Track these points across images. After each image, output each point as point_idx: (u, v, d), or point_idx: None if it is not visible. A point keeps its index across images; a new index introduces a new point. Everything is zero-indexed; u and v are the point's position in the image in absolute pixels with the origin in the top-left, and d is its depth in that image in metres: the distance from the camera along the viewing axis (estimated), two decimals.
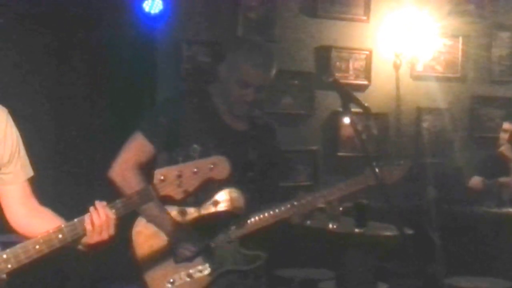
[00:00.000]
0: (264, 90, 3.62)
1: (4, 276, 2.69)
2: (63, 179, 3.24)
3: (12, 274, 2.70)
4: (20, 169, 2.89)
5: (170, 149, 3.57)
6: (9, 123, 2.87)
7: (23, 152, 2.92)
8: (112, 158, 3.58)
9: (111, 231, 2.69)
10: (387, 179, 3.59)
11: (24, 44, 4.68)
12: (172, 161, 2.82)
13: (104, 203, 2.69)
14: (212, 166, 2.74)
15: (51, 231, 2.66)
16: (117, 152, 3.59)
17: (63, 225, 2.67)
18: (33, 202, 2.92)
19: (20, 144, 2.91)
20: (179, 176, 2.71)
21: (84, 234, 2.68)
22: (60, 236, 2.65)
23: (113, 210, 2.68)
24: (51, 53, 4.93)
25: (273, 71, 3.61)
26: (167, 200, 3.08)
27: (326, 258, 5.37)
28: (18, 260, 2.65)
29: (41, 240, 2.65)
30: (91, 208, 2.67)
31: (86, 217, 2.65)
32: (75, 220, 2.66)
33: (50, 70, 4.80)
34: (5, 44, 3.98)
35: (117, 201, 2.78)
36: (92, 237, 2.68)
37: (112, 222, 2.68)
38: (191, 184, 2.74)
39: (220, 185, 3.32)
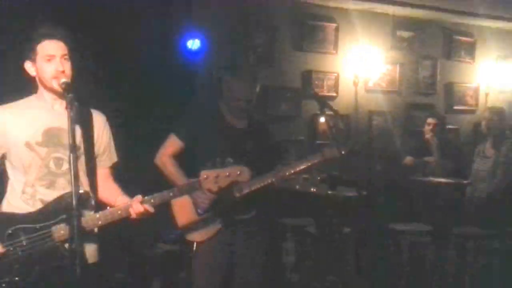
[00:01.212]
0: (253, 100, 3.61)
1: (96, 230, 2.77)
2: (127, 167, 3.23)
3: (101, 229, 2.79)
4: (108, 159, 2.95)
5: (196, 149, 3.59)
6: (106, 127, 2.93)
7: (113, 148, 2.97)
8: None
9: (146, 215, 2.73)
10: (340, 153, 3.55)
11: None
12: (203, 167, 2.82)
13: (140, 198, 2.73)
14: (239, 172, 2.79)
15: (129, 203, 2.74)
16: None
17: (130, 203, 2.74)
18: (110, 180, 2.96)
19: (111, 142, 2.96)
20: (217, 177, 2.76)
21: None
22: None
23: (151, 200, 2.73)
24: (116, 75, 4.91)
25: (257, 88, 3.64)
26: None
27: (310, 210, 5.35)
28: (106, 219, 2.72)
29: (122, 208, 2.74)
30: (131, 203, 2.72)
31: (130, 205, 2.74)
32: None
33: (114, 89, 4.72)
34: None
35: (174, 188, 2.87)
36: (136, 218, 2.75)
37: (149, 212, 2.72)
38: (224, 183, 2.78)
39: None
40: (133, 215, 2.72)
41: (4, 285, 2.64)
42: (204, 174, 2.76)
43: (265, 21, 6.12)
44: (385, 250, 5.29)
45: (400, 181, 5.71)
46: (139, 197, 2.74)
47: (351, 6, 6.35)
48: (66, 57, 2.71)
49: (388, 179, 5.64)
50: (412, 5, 6.41)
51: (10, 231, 2.67)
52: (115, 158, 2.98)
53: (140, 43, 5.01)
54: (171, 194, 2.82)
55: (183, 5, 5.34)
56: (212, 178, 2.76)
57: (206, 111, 3.79)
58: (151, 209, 2.73)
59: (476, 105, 7.40)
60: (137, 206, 2.71)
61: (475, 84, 7.44)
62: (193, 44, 5.35)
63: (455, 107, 7.29)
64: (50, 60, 2.68)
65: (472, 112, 7.39)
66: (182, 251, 4.31)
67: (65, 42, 2.73)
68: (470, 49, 7.38)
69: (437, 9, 6.57)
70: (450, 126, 6.85)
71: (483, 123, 5.69)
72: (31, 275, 2.66)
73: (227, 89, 3.62)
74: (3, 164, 2.81)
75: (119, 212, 2.72)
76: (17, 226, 2.68)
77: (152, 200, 2.75)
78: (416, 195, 5.63)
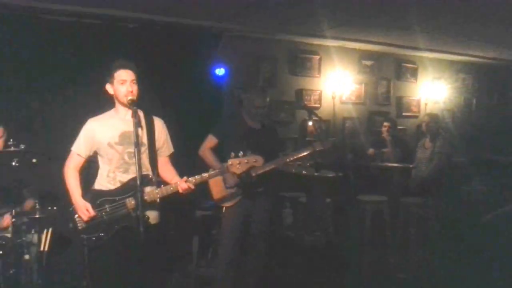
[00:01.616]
0: (266, 108, 3.64)
1: (158, 200, 2.81)
2: (178, 158, 3.22)
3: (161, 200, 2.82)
4: (167, 150, 2.97)
5: (227, 143, 3.58)
6: (164, 128, 2.96)
7: (170, 143, 2.99)
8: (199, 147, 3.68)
9: (189, 191, 2.77)
10: (323, 146, 3.59)
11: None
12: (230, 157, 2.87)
13: (185, 178, 2.76)
14: (255, 160, 2.83)
15: (177, 182, 2.78)
16: (201, 143, 3.68)
17: (178, 182, 2.76)
18: (169, 164, 2.98)
19: (168, 138, 2.98)
20: (239, 163, 2.81)
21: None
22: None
23: (193, 180, 2.77)
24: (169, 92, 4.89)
25: (268, 99, 3.66)
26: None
27: (302, 187, 5.33)
28: (162, 193, 2.77)
29: (173, 186, 2.78)
30: (179, 182, 2.74)
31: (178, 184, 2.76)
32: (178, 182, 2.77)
33: (169, 102, 4.68)
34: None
35: (211, 171, 2.88)
36: (183, 193, 2.78)
37: (191, 188, 2.76)
38: (244, 167, 2.83)
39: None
40: (180, 191, 2.77)
41: (94, 238, 2.73)
42: (230, 161, 2.81)
43: (270, 55, 6.09)
44: (354, 213, 5.27)
45: (365, 165, 5.66)
46: (184, 178, 2.79)
47: (330, 43, 6.31)
48: (134, 81, 2.76)
49: (357, 164, 5.60)
50: (372, 42, 6.38)
51: (98, 202, 2.77)
52: (171, 149, 3.00)
53: (185, 71, 5.05)
54: (207, 175, 2.86)
55: (213, 46, 5.34)
56: (236, 164, 2.80)
57: (233, 117, 3.84)
58: (192, 186, 2.77)
59: (418, 112, 7.36)
60: (182, 184, 2.76)
61: (418, 97, 7.39)
62: (220, 71, 5.33)
63: (404, 114, 7.25)
64: (123, 83, 2.74)
65: (415, 117, 7.35)
66: (214, 216, 4.32)
67: (134, 71, 2.78)
68: (414, 73, 7.34)
69: (390, 44, 6.52)
70: (400, 127, 6.78)
71: (423, 124, 5.68)
72: (111, 232, 2.74)
73: (248, 101, 3.64)
74: (96, 157, 2.87)
75: (171, 188, 2.77)
76: (103, 198, 2.76)
77: (193, 180, 2.80)
78: (376, 175, 5.61)
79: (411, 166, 5.53)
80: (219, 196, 3.63)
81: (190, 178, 2.80)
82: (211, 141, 3.66)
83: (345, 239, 5.16)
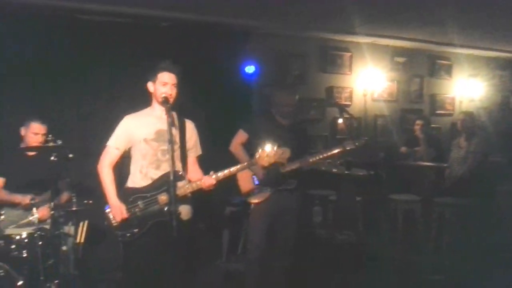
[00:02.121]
0: (295, 106, 3.64)
1: (189, 194, 2.88)
2: (209, 155, 3.25)
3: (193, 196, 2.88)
4: (195, 151, 3.04)
5: (256, 140, 3.53)
6: (194, 131, 3.04)
7: (198, 145, 3.06)
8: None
9: (212, 186, 2.85)
10: (355, 145, 3.55)
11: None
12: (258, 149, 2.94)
13: (212, 172, 2.84)
14: (282, 152, 2.91)
15: (204, 178, 2.86)
16: (231, 140, 3.71)
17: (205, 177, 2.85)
18: (196, 165, 3.05)
19: (198, 141, 3.05)
20: (267, 156, 2.88)
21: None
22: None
23: (214, 176, 2.84)
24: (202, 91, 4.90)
25: (297, 98, 3.66)
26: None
27: (332, 184, 5.31)
28: (192, 188, 2.85)
29: (197, 181, 2.86)
30: (205, 177, 2.83)
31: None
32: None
33: (200, 102, 4.70)
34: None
35: (238, 165, 2.95)
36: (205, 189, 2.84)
37: (213, 185, 2.83)
38: (272, 159, 2.90)
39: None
40: (204, 186, 2.85)
41: (128, 235, 2.80)
42: (258, 154, 2.90)
43: (299, 52, 6.07)
44: (386, 213, 5.22)
45: (397, 164, 5.59)
46: (211, 172, 2.87)
47: (361, 40, 6.26)
48: (175, 85, 2.85)
49: (389, 163, 5.53)
50: (405, 38, 6.28)
51: (131, 199, 2.84)
52: (199, 152, 3.07)
53: (215, 69, 5.10)
54: (235, 169, 2.94)
55: (243, 43, 5.38)
56: (264, 156, 2.88)
57: (262, 114, 3.85)
58: (214, 181, 2.85)
59: (453, 110, 7.21)
60: (206, 180, 2.85)
61: (452, 95, 7.24)
62: (250, 69, 5.35)
63: (437, 112, 7.11)
64: (165, 85, 2.83)
65: (450, 115, 7.20)
66: (243, 212, 4.37)
67: (177, 76, 2.85)
68: (448, 70, 7.19)
69: (423, 41, 6.41)
70: (433, 125, 6.67)
71: (458, 123, 5.57)
72: (144, 228, 2.81)
73: (278, 99, 3.65)
74: (129, 154, 2.95)
75: (198, 183, 2.85)
76: (136, 195, 2.84)
77: (222, 175, 2.87)
78: (409, 175, 5.53)
79: (445, 165, 5.42)
80: (247, 190, 3.65)
81: (219, 174, 2.86)
82: (241, 136, 3.69)
83: (376, 238, 5.11)
